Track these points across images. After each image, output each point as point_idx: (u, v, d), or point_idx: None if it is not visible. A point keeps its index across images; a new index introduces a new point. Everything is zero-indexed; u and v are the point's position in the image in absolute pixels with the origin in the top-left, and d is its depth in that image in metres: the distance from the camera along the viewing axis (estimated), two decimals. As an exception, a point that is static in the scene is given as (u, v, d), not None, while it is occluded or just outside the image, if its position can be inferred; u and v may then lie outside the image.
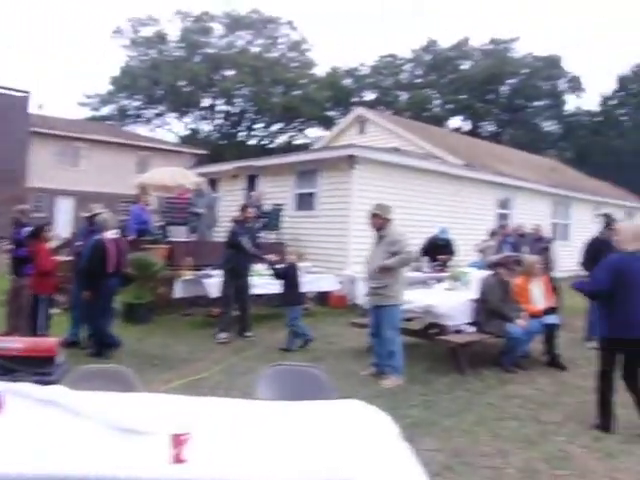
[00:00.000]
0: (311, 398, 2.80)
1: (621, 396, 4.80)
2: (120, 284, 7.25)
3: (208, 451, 2.14)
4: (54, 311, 7.61)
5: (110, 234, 6.88)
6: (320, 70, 47.03)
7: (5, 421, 2.41)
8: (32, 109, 27.51)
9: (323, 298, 10.91)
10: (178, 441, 2.06)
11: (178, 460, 2.03)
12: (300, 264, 7.99)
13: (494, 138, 38.20)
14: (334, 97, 44.11)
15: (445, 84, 45.61)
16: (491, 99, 45.88)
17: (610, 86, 38.56)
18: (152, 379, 5.68)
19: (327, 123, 38.94)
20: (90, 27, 75.29)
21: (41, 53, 75.28)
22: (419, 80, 47.44)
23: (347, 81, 47.73)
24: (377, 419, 2.56)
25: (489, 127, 47.16)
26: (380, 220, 6.16)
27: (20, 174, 25.42)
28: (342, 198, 11.71)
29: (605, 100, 37.80)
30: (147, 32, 43.75)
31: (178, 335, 8.15)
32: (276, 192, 13.28)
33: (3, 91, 25.70)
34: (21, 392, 2.69)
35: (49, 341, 5.35)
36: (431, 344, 7.14)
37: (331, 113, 44.29)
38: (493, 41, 46.91)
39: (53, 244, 7.37)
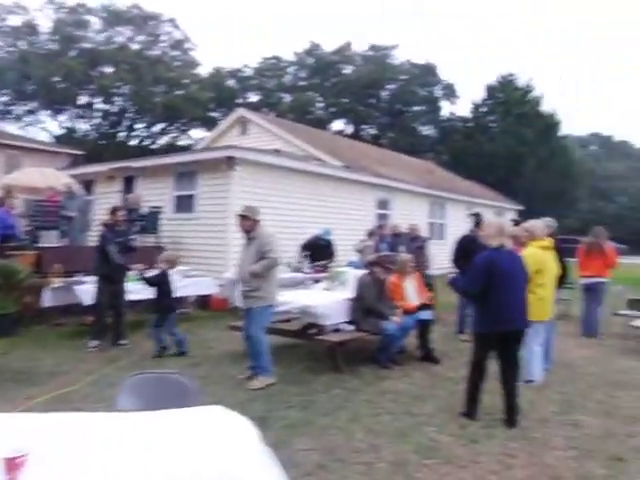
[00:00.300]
0: (174, 406, 2.70)
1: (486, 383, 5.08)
2: None
3: (48, 474, 1.98)
4: None
5: None
6: (203, 70, 46.28)
7: None
8: None
9: (204, 302, 10.70)
10: (12, 465, 1.89)
11: None
12: (174, 269, 7.78)
13: (375, 141, 39.46)
14: (217, 98, 43.45)
15: (328, 87, 46.44)
16: (372, 103, 47.33)
17: (481, 94, 41.02)
18: (14, 396, 5.31)
19: (210, 124, 38.19)
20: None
21: None
22: (302, 83, 47.90)
23: (230, 82, 47.26)
24: (236, 425, 2.51)
25: (370, 130, 48.60)
26: (249, 222, 6.09)
27: None
28: (222, 200, 11.55)
29: (476, 107, 40.14)
30: (14, 21, 40.73)
31: (47, 347, 7.63)
32: (154, 194, 12.85)
33: None
34: None
35: None
36: (310, 344, 7.18)
37: (214, 114, 43.57)
38: (373, 47, 48.44)
39: None
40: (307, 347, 7.41)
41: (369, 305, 6.82)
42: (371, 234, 11.08)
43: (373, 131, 48.46)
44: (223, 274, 10.28)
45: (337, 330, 6.96)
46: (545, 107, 38.71)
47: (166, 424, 2.50)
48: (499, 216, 24.06)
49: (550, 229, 6.74)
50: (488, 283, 4.77)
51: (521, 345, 5.06)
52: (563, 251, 6.82)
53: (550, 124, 37.77)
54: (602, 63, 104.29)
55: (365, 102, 46.54)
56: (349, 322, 7.04)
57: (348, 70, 48.14)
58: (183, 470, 1.98)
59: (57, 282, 8.55)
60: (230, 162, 11.52)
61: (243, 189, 11.59)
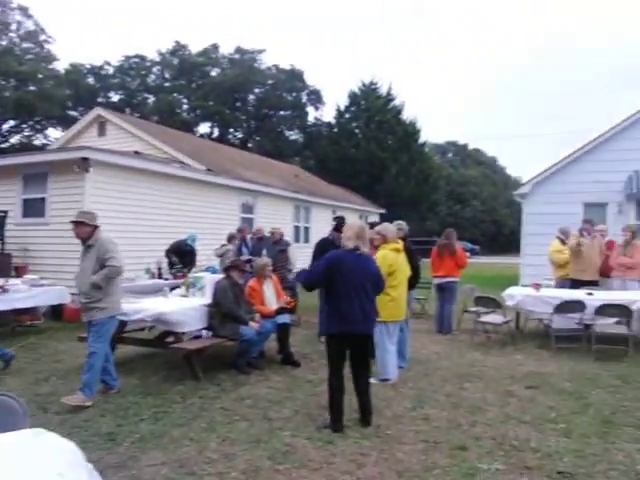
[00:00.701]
0: (3, 429, 2.50)
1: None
2: None
3: None
4: None
5: None
6: (61, 66, 43.45)
7: None
8: None
9: (57, 312, 10.03)
10: None
11: None
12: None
13: (242, 145, 39.33)
14: (76, 96, 41.08)
15: (194, 90, 45.59)
16: (238, 107, 47.14)
17: (344, 101, 42.15)
18: None
19: (68, 123, 35.96)
20: None
21: None
22: (167, 84, 46.65)
23: (90, 80, 44.87)
24: (55, 447, 2.35)
25: (237, 134, 48.39)
26: (86, 228, 5.59)
27: None
28: (75, 204, 10.82)
29: (340, 114, 41.24)
30: None
31: None
32: (0, 197, 11.85)
33: None
34: None
35: None
36: (167, 353, 6.94)
37: (73, 113, 41.16)
38: (240, 50, 48.26)
39: None
40: (164, 356, 7.16)
41: (226, 310, 6.72)
42: (231, 238, 10.96)
43: (240, 135, 48.29)
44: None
45: (197, 337, 6.79)
46: (406, 115, 40.68)
47: None
48: (363, 220, 24.96)
49: (402, 232, 7.03)
50: (332, 283, 4.83)
51: (368, 346, 5.13)
52: (414, 253, 7.15)
53: (410, 132, 39.72)
54: (459, 76, 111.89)
55: (231, 105, 46.26)
56: (207, 328, 6.91)
57: (214, 72, 47.60)
58: None
59: None
60: (84, 163, 10.88)
61: (98, 192, 11.03)
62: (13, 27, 40.98)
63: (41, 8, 70.19)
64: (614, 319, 7.71)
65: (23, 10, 40.82)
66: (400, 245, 6.38)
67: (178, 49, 47.28)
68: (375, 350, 6.10)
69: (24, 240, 11.19)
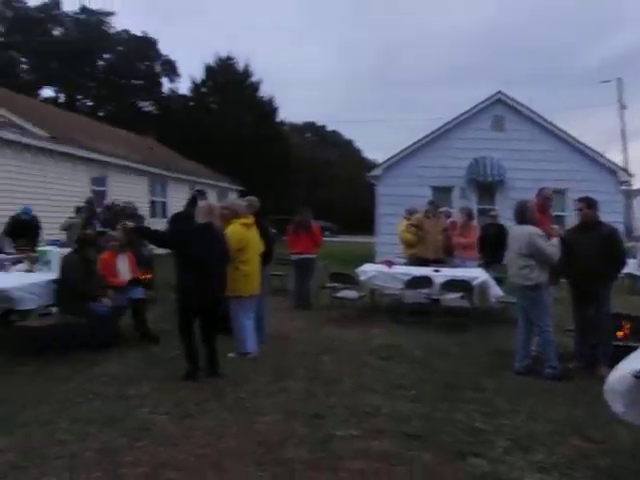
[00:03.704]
0: None
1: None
2: None
3: None
4: None
5: None
6: None
7: None
8: None
9: None
10: None
11: None
12: None
13: (93, 114, 36.86)
14: None
15: (34, 48, 41.47)
16: (86, 72, 43.82)
17: (200, 74, 40.82)
18: None
19: None
20: None
21: None
22: (1, 39, 42.00)
23: None
24: None
25: (87, 102, 45.21)
26: None
27: None
28: None
29: (196, 87, 40.04)
30: None
31: None
32: None
33: None
34: None
35: None
36: (11, 332, 6.51)
37: None
38: (85, 10, 44.71)
39: None
40: (8, 336, 6.63)
41: (76, 286, 6.32)
42: (78, 211, 10.34)
43: (90, 103, 45.14)
44: None
45: (46, 314, 6.36)
46: (263, 93, 40.41)
47: None
48: (223, 196, 24.75)
49: (253, 208, 6.92)
50: (184, 255, 5.34)
51: (215, 314, 5.64)
52: (267, 229, 7.15)
53: (268, 110, 39.60)
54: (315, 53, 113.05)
55: (78, 70, 42.91)
56: (55, 305, 6.48)
57: (57, 32, 43.82)
58: None
59: None
60: None
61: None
62: None
63: None
64: (458, 294, 8.32)
65: None
66: (250, 220, 6.34)
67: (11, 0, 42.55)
68: (232, 324, 6.19)
69: None
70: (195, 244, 5.28)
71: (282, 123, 42.46)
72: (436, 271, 8.73)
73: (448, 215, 10.64)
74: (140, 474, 3.54)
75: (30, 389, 5.09)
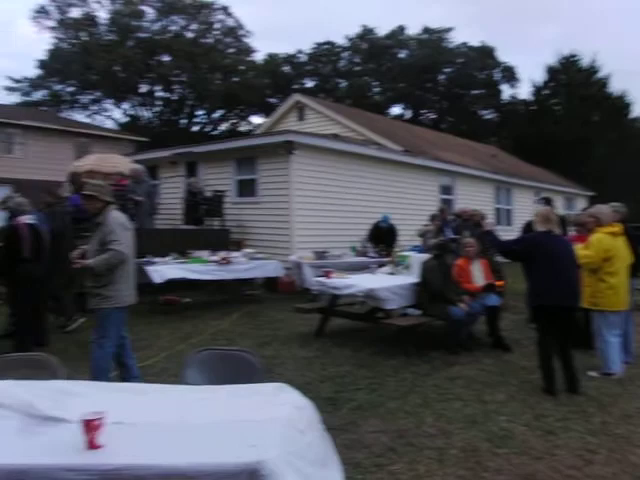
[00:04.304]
0: (239, 382, 2.82)
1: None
2: (44, 270, 6.59)
3: (128, 436, 2.14)
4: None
5: (25, 218, 6.50)
6: (259, 57, 46.51)
7: None
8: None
9: (271, 284, 10.85)
10: (91, 426, 2.04)
11: (92, 446, 2.04)
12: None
13: (435, 126, 38.75)
14: (274, 84, 43.67)
15: (383, 72, 45.77)
16: (429, 87, 46.44)
17: (541, 76, 39.24)
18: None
19: (268, 110, 38.42)
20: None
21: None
22: (357, 68, 47.41)
23: (286, 68, 47.31)
24: (298, 403, 2.58)
25: (430, 115, 47.76)
26: (96, 203, 4.84)
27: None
28: (282, 184, 11.63)
29: (538, 90, 38.65)
30: (75, 13, 41.93)
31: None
32: (217, 179, 13.06)
33: None
34: None
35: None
36: (376, 328, 7.16)
37: (272, 100, 43.84)
38: (427, 30, 47.34)
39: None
40: (373, 331, 7.38)
41: (435, 290, 6.71)
42: (433, 218, 10.93)
43: (432, 116, 47.59)
44: (288, 257, 10.42)
45: (405, 315, 6.90)
46: (613, 89, 36.90)
47: (234, 397, 2.60)
48: (569, 202, 23.53)
49: (619, 214, 6.33)
50: (533, 258, 5.27)
51: (570, 321, 5.38)
52: (635, 238, 6.41)
53: (620, 106, 36.02)
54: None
55: (422, 86, 45.71)
56: (415, 307, 6.97)
57: (403, 54, 47.34)
58: (242, 441, 2.05)
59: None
60: (288, 147, 11.57)
61: (302, 173, 11.66)
62: (216, 26, 44.73)
63: (238, 5, 74.74)
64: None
65: (224, 9, 44.32)
66: (618, 229, 5.77)
67: (366, 33, 47.71)
68: (595, 341, 5.78)
69: (240, 217, 12.23)
70: (542, 248, 5.25)
71: (637, 119, 37.96)
72: None
73: None
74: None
75: (395, 381, 5.52)
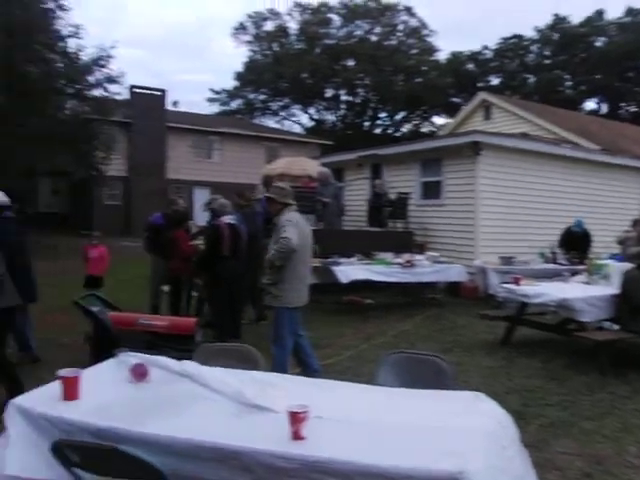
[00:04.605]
0: (430, 387, 2.84)
1: None
2: (242, 269, 7.07)
3: (328, 430, 2.25)
4: (194, 294, 8.04)
5: (227, 219, 6.94)
6: (442, 56, 45.91)
7: (150, 387, 2.82)
8: (168, 106, 29.44)
9: (453, 289, 10.71)
10: (296, 418, 2.16)
11: (297, 437, 2.16)
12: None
13: (636, 120, 35.25)
14: (457, 83, 42.82)
15: (577, 64, 42.48)
16: (630, 77, 42.10)
17: None
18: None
19: (451, 110, 37.92)
20: (206, 25, 78.64)
21: (163, 52, 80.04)
22: (547, 61, 44.59)
23: (470, 66, 46.07)
24: (498, 415, 2.52)
25: (630, 108, 43.45)
26: (275, 205, 5.10)
27: (160, 167, 27.32)
28: (468, 186, 11.37)
29: None
30: (268, 27, 45.02)
31: (309, 320, 7.97)
32: (401, 181, 13.15)
33: (143, 91, 27.64)
34: (160, 364, 3.05)
35: (189, 321, 5.76)
36: (568, 340, 6.75)
37: (455, 100, 43.09)
38: (630, 12, 42.73)
39: (192, 231, 7.81)
40: (565, 344, 6.96)
41: (638, 304, 6.14)
42: (635, 224, 9.98)
43: (633, 109, 43.22)
44: (473, 261, 10.21)
45: (600, 328, 6.43)
46: None
47: (431, 402, 2.62)
48: None
49: None
50: None
51: None
52: None
53: None
54: None
55: (622, 76, 41.62)
56: (612, 320, 6.45)
57: (600, 42, 43.49)
58: (442, 449, 2.04)
59: (316, 262, 9.21)
60: (475, 147, 11.29)
61: (489, 175, 11.31)
62: (400, 27, 44.97)
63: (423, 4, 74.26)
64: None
65: (408, 10, 44.41)
66: None
67: (557, 23, 44.54)
68: None
69: (423, 220, 12.21)
70: None
71: None
72: None
73: None
74: None
75: (589, 400, 5.16)
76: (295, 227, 4.88)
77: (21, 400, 2.58)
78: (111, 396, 2.66)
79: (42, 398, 2.60)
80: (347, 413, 2.40)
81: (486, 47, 46.21)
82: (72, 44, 19.96)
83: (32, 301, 5.81)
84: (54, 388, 2.64)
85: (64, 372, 2.62)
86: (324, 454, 2.01)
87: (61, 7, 19.36)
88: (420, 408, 2.52)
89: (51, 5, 19.21)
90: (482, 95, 20.33)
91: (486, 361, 6.39)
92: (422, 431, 2.21)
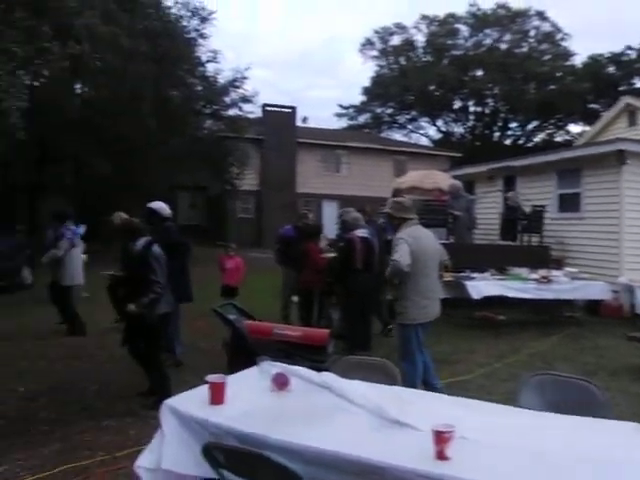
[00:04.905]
0: (580, 413, 2.67)
1: None
2: (374, 282, 7.04)
3: (473, 452, 2.18)
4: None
5: (360, 232, 6.97)
6: (579, 60, 43.36)
7: (291, 397, 2.91)
8: (298, 122, 30.49)
9: (593, 307, 10.02)
10: (441, 438, 2.12)
11: (441, 457, 2.11)
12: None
13: None
14: (596, 88, 40.21)
15: None
16: None
17: None
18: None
19: (590, 117, 35.71)
20: (333, 43, 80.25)
21: (292, 71, 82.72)
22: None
23: (611, 69, 43.07)
24: None
25: None
26: (393, 220, 5.07)
27: (290, 181, 28.32)
28: (611, 198, 10.64)
29: None
30: (395, 41, 45.14)
31: (440, 335, 7.66)
32: (535, 193, 12.60)
33: (275, 109, 28.85)
34: (300, 374, 3.13)
35: (322, 332, 5.87)
36: None
37: (594, 106, 40.54)
38: None
39: (322, 244, 7.98)
40: None
41: None
42: None
43: None
44: (617, 278, 9.55)
45: None
46: None
47: (582, 430, 2.45)
48: None
49: None
50: None
51: None
52: None
53: None
54: None
55: None
56: None
57: None
58: None
59: (447, 276, 9.01)
60: (619, 156, 10.56)
61: (635, 185, 10.51)
62: (531, 33, 43.20)
63: (558, 7, 70.57)
64: None
65: (540, 15, 42.55)
66: None
67: None
68: None
69: (560, 234, 11.59)
70: None
71: None
72: None
73: None
74: None
75: None
76: (407, 245, 4.72)
77: (173, 401, 2.80)
78: (254, 403, 2.79)
79: (192, 400, 2.80)
80: (493, 435, 2.33)
81: (629, 47, 42.99)
82: (210, 68, 21.47)
83: (189, 300, 6.62)
84: (202, 392, 2.83)
85: (211, 378, 2.81)
86: (469, 476, 1.96)
87: (202, 35, 20.86)
88: (574, 436, 2.37)
89: (193, 34, 20.73)
90: (626, 99, 18.95)
91: (635, 387, 5.91)
92: (579, 462, 2.07)
